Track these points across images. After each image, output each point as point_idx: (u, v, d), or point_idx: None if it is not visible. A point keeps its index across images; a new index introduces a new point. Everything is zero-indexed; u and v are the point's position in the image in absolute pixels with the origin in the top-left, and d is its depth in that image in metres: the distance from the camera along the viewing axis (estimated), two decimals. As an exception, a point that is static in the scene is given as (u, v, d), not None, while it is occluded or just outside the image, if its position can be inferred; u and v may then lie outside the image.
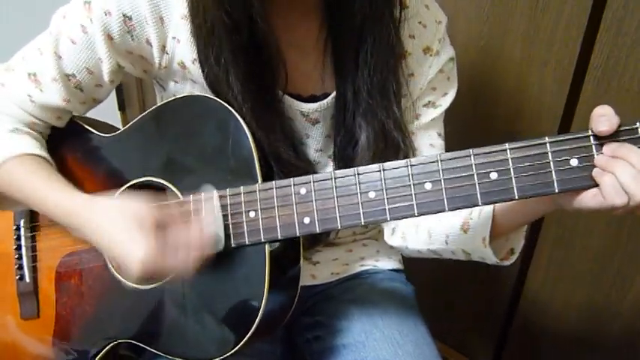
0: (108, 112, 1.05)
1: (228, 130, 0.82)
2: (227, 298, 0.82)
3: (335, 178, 0.74)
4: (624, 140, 0.64)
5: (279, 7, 0.83)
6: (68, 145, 0.95)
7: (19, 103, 0.90)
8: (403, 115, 0.92)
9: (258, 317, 0.79)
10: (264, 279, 0.78)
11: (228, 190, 0.79)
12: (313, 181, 0.75)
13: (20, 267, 0.97)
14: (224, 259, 0.82)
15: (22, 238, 0.97)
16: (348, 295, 1.07)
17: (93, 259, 0.93)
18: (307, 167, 0.89)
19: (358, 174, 0.73)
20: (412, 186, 0.70)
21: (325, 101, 0.92)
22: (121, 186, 0.89)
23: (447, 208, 0.69)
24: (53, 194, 0.84)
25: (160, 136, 0.88)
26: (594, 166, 0.65)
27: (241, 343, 0.80)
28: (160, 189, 0.86)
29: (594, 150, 0.65)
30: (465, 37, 1.35)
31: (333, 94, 0.91)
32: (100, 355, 0.93)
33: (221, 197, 0.80)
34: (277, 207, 0.77)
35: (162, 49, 0.87)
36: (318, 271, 1.09)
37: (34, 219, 0.98)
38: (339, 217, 0.74)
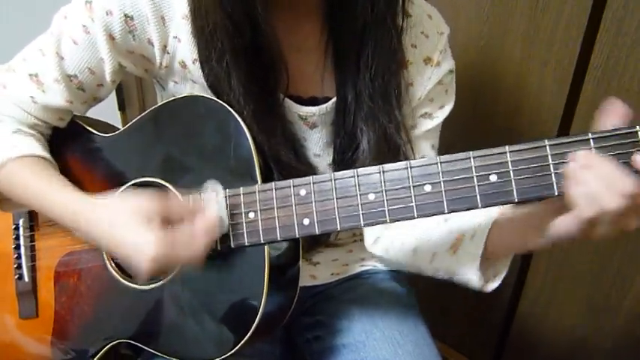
0: (108, 112, 1.05)
1: (227, 131, 0.82)
2: (226, 298, 0.82)
3: (334, 180, 0.74)
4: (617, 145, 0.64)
5: (280, 10, 0.83)
6: (68, 145, 0.95)
7: (20, 104, 0.90)
8: (405, 121, 0.92)
9: (258, 318, 0.79)
10: (264, 280, 0.78)
11: (227, 190, 0.79)
12: (313, 183, 0.75)
13: (19, 266, 0.97)
14: (223, 260, 0.82)
15: (21, 238, 0.97)
16: (349, 295, 1.07)
17: (92, 259, 0.93)
18: (307, 170, 0.89)
19: (358, 175, 0.73)
20: (412, 188, 0.70)
21: (325, 105, 0.91)
22: (121, 186, 0.89)
23: (446, 210, 0.69)
24: (55, 195, 0.84)
25: (160, 137, 0.87)
26: None
27: (240, 343, 0.80)
28: (159, 189, 0.86)
29: (594, 152, 0.64)
30: (465, 37, 1.35)
31: (334, 99, 0.91)
32: (99, 355, 0.93)
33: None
34: (277, 208, 0.77)
35: (164, 48, 0.87)
36: (319, 271, 1.09)
37: (32, 218, 0.98)
38: (339, 218, 0.73)
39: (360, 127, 0.89)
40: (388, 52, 0.85)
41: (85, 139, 0.94)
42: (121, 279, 0.90)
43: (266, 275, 0.79)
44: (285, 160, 0.86)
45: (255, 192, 0.78)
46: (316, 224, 0.75)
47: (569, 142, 0.65)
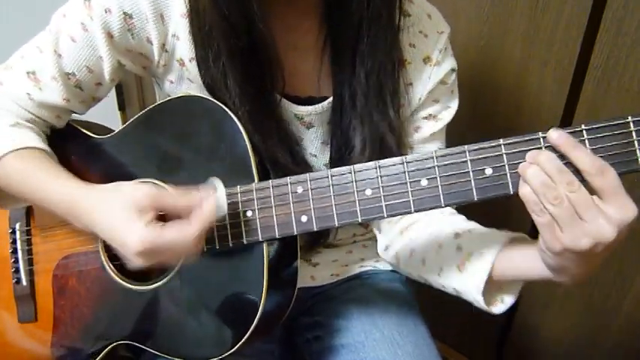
0: (108, 111, 1.05)
1: (224, 131, 0.82)
2: (226, 297, 0.82)
3: (331, 177, 0.74)
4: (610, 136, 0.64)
5: (278, 8, 0.83)
6: (64, 148, 0.94)
7: (17, 100, 0.90)
8: (400, 121, 0.91)
9: (257, 317, 0.79)
10: (263, 279, 0.78)
11: (225, 189, 0.79)
12: (310, 180, 0.75)
13: (17, 270, 0.96)
14: (222, 259, 0.82)
15: (18, 242, 0.97)
16: (348, 296, 1.06)
17: (90, 261, 0.92)
18: (304, 171, 0.89)
19: (354, 172, 0.73)
20: (408, 183, 0.70)
21: (321, 105, 0.91)
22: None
23: (443, 204, 0.69)
24: (53, 184, 0.84)
25: (155, 137, 0.87)
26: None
27: (240, 343, 0.80)
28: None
29: (587, 144, 0.64)
30: (465, 37, 1.35)
31: (330, 98, 0.91)
32: (99, 358, 0.92)
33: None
34: (274, 206, 0.77)
35: (162, 47, 0.87)
36: (318, 272, 1.09)
37: (29, 222, 0.97)
38: (336, 214, 0.74)
39: (354, 126, 0.89)
40: (384, 50, 0.85)
41: (80, 141, 0.94)
42: (119, 280, 0.89)
43: (265, 274, 0.78)
44: (282, 162, 0.86)
45: (252, 190, 0.78)
46: (314, 221, 0.75)
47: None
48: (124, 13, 0.83)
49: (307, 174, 0.75)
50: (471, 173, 0.68)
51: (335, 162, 0.94)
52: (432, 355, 0.96)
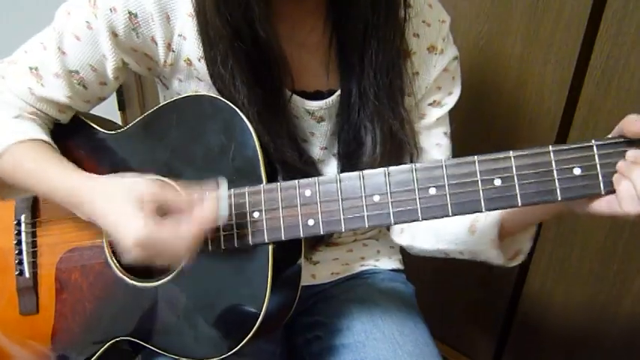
0: (108, 111, 1.04)
1: (233, 130, 0.82)
2: (229, 298, 0.83)
3: (340, 181, 0.74)
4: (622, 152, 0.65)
5: (282, 8, 0.83)
6: (71, 141, 0.94)
7: (19, 94, 0.90)
8: (410, 115, 0.93)
9: (260, 318, 0.79)
10: (267, 280, 0.79)
11: (232, 190, 0.79)
12: (318, 184, 0.75)
13: (20, 262, 0.97)
14: (227, 259, 0.82)
15: (23, 234, 0.97)
16: (348, 295, 1.07)
17: (94, 256, 0.93)
18: (313, 172, 0.89)
19: (363, 177, 0.73)
20: (417, 190, 0.71)
21: (330, 99, 0.92)
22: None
23: (450, 213, 0.70)
24: (57, 175, 0.84)
25: (165, 135, 0.87)
26: (597, 175, 0.66)
27: (242, 342, 0.81)
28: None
29: (597, 159, 0.65)
30: (465, 37, 1.35)
31: (338, 91, 0.91)
32: (99, 352, 0.93)
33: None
34: (281, 208, 0.77)
35: (168, 46, 0.87)
36: (318, 270, 1.10)
37: (35, 214, 0.97)
38: (344, 219, 0.74)
39: (365, 125, 0.89)
40: (392, 49, 0.86)
41: (89, 135, 0.94)
42: (123, 276, 0.90)
43: (269, 275, 0.79)
44: (290, 162, 0.87)
45: (260, 192, 0.78)
46: (321, 225, 0.75)
47: (573, 148, 0.66)
48: (129, 12, 0.83)
49: (316, 177, 0.76)
50: (479, 183, 0.68)
51: (343, 155, 0.95)
52: (433, 354, 0.97)
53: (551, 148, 0.66)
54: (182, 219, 0.72)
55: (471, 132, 1.33)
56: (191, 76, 0.90)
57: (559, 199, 0.66)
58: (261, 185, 0.79)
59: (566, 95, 1.25)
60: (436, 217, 0.71)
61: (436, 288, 1.69)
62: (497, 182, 0.68)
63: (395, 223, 0.72)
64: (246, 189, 0.79)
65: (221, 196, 0.76)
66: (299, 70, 0.87)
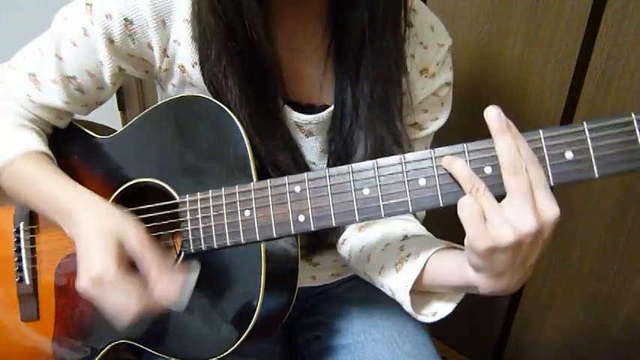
0: (108, 112, 1.05)
1: (224, 131, 0.82)
2: (224, 297, 0.82)
3: (329, 176, 0.74)
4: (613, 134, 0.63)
5: (282, 12, 0.83)
6: (65, 148, 0.95)
7: (18, 100, 0.91)
8: (405, 131, 0.91)
9: (255, 317, 0.79)
10: (260, 279, 0.78)
11: (223, 189, 0.79)
12: (307, 179, 0.75)
13: (20, 269, 0.97)
14: (221, 259, 0.82)
15: (22, 241, 0.97)
16: (348, 296, 1.06)
17: (91, 261, 0.93)
18: None
19: (352, 171, 0.73)
20: (406, 182, 0.70)
21: (322, 114, 0.90)
22: (117, 188, 0.89)
23: (441, 203, 0.68)
24: (50, 191, 0.84)
25: (156, 137, 0.88)
26: (590, 159, 0.64)
27: (237, 343, 0.80)
28: (157, 190, 0.86)
29: (589, 143, 0.64)
30: (465, 38, 1.35)
31: (331, 107, 0.90)
32: (99, 357, 0.92)
33: (216, 197, 0.80)
34: (272, 205, 0.77)
35: (164, 52, 0.87)
36: (319, 272, 1.09)
37: (33, 221, 0.98)
38: (334, 214, 0.73)
39: (357, 136, 0.88)
40: (388, 60, 0.84)
41: (82, 141, 0.95)
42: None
43: (262, 274, 0.78)
44: (282, 167, 0.86)
45: (250, 190, 0.78)
46: (311, 220, 0.75)
47: (565, 133, 0.65)
48: (125, 18, 0.83)
49: (305, 173, 0.75)
50: (470, 172, 0.67)
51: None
52: (432, 355, 0.96)
53: (541, 133, 0.65)
54: (132, 289, 0.72)
55: (470, 132, 1.32)
56: (185, 83, 0.90)
57: (551, 184, 0.65)
58: (252, 183, 0.78)
59: (566, 95, 1.24)
60: (427, 208, 0.70)
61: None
62: (488, 170, 0.66)
63: (386, 215, 0.71)
64: (237, 188, 0.79)
65: (187, 283, 0.75)
66: (293, 78, 0.87)
